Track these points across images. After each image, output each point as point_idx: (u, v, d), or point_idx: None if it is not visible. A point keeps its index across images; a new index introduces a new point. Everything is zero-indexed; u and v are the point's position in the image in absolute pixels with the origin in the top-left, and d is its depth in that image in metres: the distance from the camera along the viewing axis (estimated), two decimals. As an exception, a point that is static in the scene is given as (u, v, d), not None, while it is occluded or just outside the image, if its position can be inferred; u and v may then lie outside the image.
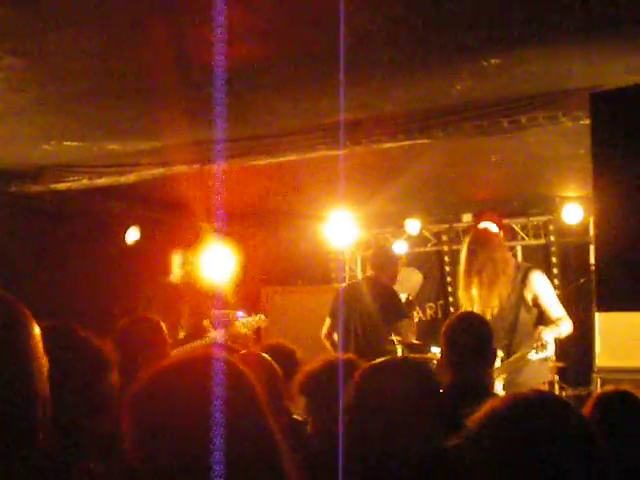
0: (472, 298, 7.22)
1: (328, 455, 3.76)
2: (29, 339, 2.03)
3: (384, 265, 8.99)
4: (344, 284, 10.35)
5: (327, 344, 8.82)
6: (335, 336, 8.80)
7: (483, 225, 8.05)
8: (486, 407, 2.17)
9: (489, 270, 7.19)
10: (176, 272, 9.15)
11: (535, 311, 7.29)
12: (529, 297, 7.24)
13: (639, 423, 3.92)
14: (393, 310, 8.73)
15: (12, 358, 1.98)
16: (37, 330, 2.07)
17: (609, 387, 4.76)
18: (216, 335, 8.40)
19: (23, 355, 2.00)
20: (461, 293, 7.40)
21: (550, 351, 7.03)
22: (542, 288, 7.33)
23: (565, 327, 7.21)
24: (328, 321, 8.92)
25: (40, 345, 2.06)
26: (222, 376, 2.18)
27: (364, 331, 8.64)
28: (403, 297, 11.18)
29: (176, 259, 9.13)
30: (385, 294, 8.79)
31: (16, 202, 9.39)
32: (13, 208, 9.41)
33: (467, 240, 7.57)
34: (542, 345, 6.81)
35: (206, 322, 8.71)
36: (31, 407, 2.00)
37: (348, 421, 3.51)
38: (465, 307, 7.22)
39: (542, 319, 7.29)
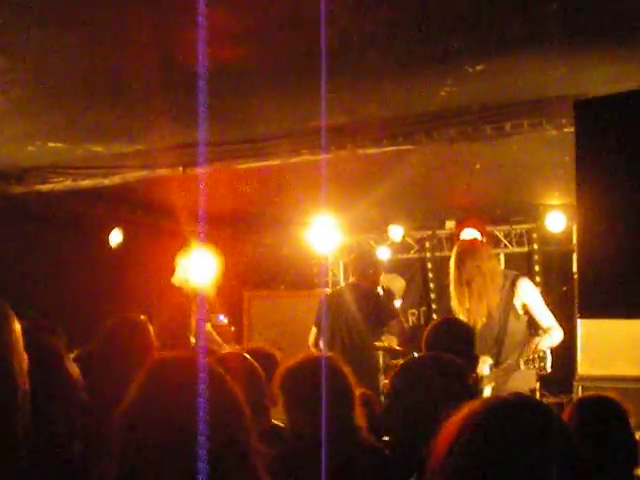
0: (466, 307, 7.23)
1: (307, 453, 3.78)
2: (10, 335, 2.05)
3: (366, 271, 8.99)
4: (327, 292, 10.33)
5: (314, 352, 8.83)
6: (321, 344, 8.78)
7: (470, 236, 8.10)
8: (465, 409, 2.16)
9: (478, 281, 7.21)
10: (178, 275, 9.12)
11: (524, 318, 7.31)
12: (518, 304, 7.26)
13: (619, 428, 3.93)
14: (378, 315, 8.73)
15: None
16: (18, 326, 2.09)
17: (589, 393, 4.78)
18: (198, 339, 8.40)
19: (4, 350, 2.02)
20: (454, 304, 7.40)
21: (548, 364, 7.05)
22: (531, 296, 7.36)
23: (557, 336, 7.25)
24: (314, 330, 8.91)
25: (20, 341, 2.08)
26: (203, 379, 2.21)
27: (350, 339, 8.63)
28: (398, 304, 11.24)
29: (178, 262, 9.11)
30: (368, 300, 8.78)
31: (0, 203, 9.35)
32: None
33: (455, 251, 7.58)
34: (540, 358, 6.86)
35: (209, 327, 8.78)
36: (12, 400, 2.01)
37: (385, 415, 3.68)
38: (460, 317, 7.22)
39: (532, 326, 7.31)
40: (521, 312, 7.27)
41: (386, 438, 3.94)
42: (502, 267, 10.89)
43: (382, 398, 8.37)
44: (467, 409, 2.15)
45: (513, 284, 7.30)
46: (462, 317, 7.14)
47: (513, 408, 2.15)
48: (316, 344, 8.88)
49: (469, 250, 7.46)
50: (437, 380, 3.67)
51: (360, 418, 4.21)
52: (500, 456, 2.04)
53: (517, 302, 7.27)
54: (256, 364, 4.76)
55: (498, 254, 12.25)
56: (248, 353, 5.44)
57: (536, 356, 6.87)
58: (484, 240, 10.81)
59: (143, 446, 2.18)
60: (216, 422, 2.17)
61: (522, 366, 6.89)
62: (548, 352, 7.05)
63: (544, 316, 7.31)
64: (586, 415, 3.89)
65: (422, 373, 3.80)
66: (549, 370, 7.07)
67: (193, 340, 8.37)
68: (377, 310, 8.80)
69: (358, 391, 6.54)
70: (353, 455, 3.90)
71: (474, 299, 7.20)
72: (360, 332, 8.55)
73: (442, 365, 3.91)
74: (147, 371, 2.37)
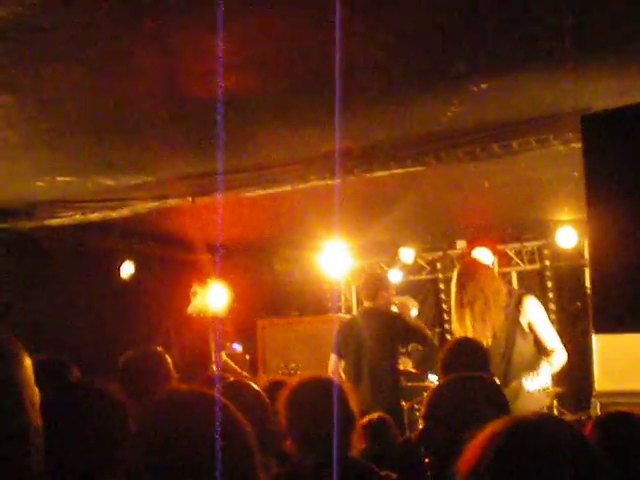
0: (467, 329, 7.18)
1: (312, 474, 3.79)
2: (20, 370, 2.05)
3: (379, 293, 8.95)
4: (342, 318, 10.27)
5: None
6: (341, 371, 8.74)
7: (472, 255, 8.06)
8: (488, 429, 2.14)
9: (480, 302, 7.15)
10: (195, 305, 9.13)
11: (531, 337, 7.24)
12: (524, 323, 7.20)
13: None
14: (404, 334, 8.68)
15: (4, 388, 2.00)
16: (29, 362, 2.09)
17: (609, 410, 4.75)
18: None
19: (15, 385, 2.02)
20: (455, 325, 7.36)
21: (545, 382, 6.98)
22: (536, 314, 7.27)
23: (558, 361, 7.17)
24: (333, 357, 8.86)
25: (32, 376, 2.09)
26: (212, 413, 2.25)
27: (377, 363, 8.53)
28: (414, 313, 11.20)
29: (194, 291, 9.11)
30: (389, 321, 8.73)
31: (10, 238, 9.38)
32: (8, 244, 9.40)
33: (456, 272, 7.53)
34: (539, 374, 6.83)
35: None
36: (24, 436, 2.01)
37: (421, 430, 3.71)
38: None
39: (536, 345, 7.26)
40: (527, 330, 7.21)
41: (427, 460, 3.91)
42: (514, 285, 10.93)
43: (405, 419, 8.36)
44: (490, 429, 2.14)
45: (519, 302, 7.23)
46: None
47: (537, 427, 2.13)
48: (336, 371, 8.85)
49: (471, 271, 7.40)
50: (474, 400, 3.69)
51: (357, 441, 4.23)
52: (525, 477, 2.02)
53: (523, 320, 7.19)
54: (261, 392, 4.72)
55: (510, 272, 12.26)
56: (268, 385, 5.38)
57: (535, 373, 6.83)
58: (495, 259, 10.83)
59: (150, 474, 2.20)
60: (222, 455, 2.17)
61: (530, 387, 6.85)
62: (547, 368, 6.99)
63: (548, 337, 7.22)
64: (606, 432, 3.86)
65: (460, 395, 3.81)
66: (549, 384, 7.02)
67: (214, 368, 8.36)
68: (401, 329, 8.73)
69: (376, 415, 6.56)
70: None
71: (477, 321, 7.14)
72: (385, 356, 8.48)
73: (478, 385, 3.92)
74: (154, 403, 2.41)
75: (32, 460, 2.02)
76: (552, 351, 7.16)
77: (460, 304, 7.25)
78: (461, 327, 7.22)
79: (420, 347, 9.51)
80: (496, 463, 2.05)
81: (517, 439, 2.09)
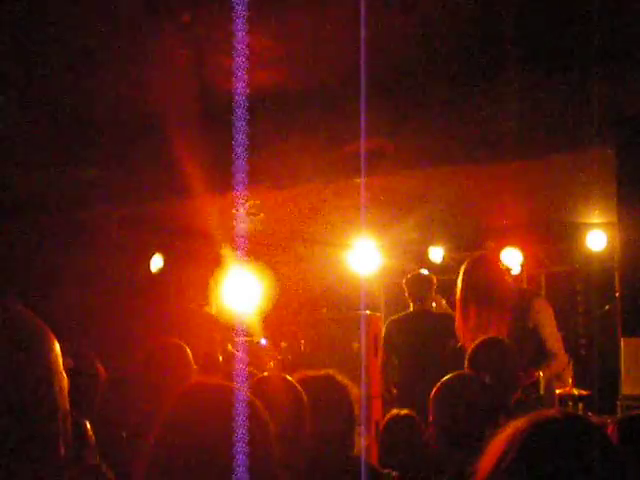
0: (470, 328, 7.06)
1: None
2: (50, 354, 2.08)
3: (429, 294, 8.96)
4: (393, 317, 10.21)
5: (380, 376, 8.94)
6: (388, 368, 8.76)
7: (510, 256, 7.95)
8: (510, 426, 2.14)
9: (486, 301, 7.05)
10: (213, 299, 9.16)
11: (536, 339, 7.15)
12: (531, 324, 7.08)
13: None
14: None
15: (34, 372, 2.03)
16: (57, 347, 2.12)
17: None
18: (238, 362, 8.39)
19: (45, 369, 2.06)
20: (458, 323, 7.22)
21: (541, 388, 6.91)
22: (543, 315, 7.13)
23: (555, 367, 7.09)
24: (382, 355, 8.87)
25: (60, 361, 2.11)
26: (235, 407, 2.27)
27: (434, 363, 8.48)
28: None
29: (208, 286, 9.14)
30: (440, 323, 8.71)
31: (41, 229, 9.43)
32: (40, 235, 9.45)
33: (462, 268, 7.33)
34: (533, 385, 6.76)
35: (230, 348, 8.73)
36: (53, 420, 2.04)
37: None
38: (462, 339, 7.07)
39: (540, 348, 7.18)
40: (533, 332, 7.07)
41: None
42: (542, 287, 10.85)
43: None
44: (512, 426, 2.13)
45: (528, 303, 7.12)
46: (465, 338, 6.97)
47: (560, 425, 2.12)
48: (384, 367, 8.88)
49: (477, 268, 7.27)
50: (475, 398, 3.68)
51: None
52: (547, 474, 2.02)
53: (530, 322, 7.08)
54: (297, 386, 4.70)
55: (539, 274, 12.20)
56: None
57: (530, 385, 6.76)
58: (524, 260, 10.78)
59: (168, 470, 2.24)
60: (242, 452, 2.20)
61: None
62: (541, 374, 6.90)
63: (550, 339, 7.12)
64: (626, 432, 3.85)
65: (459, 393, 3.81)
66: (542, 393, 6.93)
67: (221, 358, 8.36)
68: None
69: (404, 412, 6.54)
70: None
71: (481, 319, 7.04)
72: (443, 356, 8.42)
73: (471, 384, 3.92)
74: (177, 396, 2.43)
75: (61, 442, 2.05)
76: (553, 355, 7.06)
77: (464, 301, 7.14)
78: (465, 325, 7.11)
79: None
80: (518, 461, 2.05)
81: (540, 437, 2.08)
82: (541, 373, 6.77)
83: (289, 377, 4.65)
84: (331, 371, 4.51)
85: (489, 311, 6.99)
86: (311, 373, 4.45)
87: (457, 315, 7.20)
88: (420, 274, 10.07)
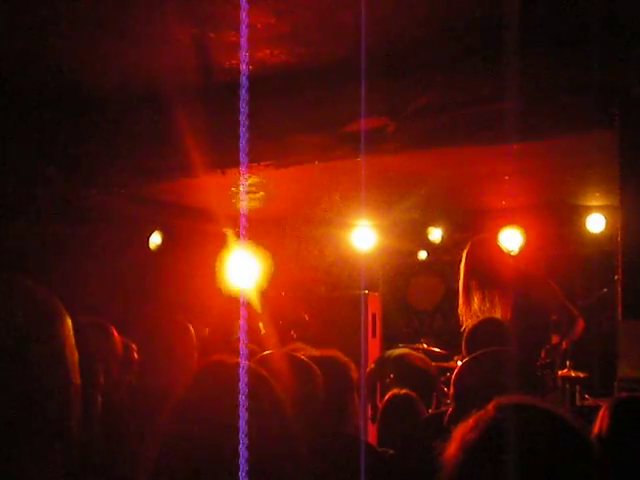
0: (474, 313, 7.06)
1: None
2: (64, 329, 2.09)
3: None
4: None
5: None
6: None
7: (509, 237, 7.94)
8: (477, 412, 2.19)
9: (488, 285, 7.07)
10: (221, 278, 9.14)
11: (545, 314, 7.17)
12: (535, 302, 7.08)
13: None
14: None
15: (49, 346, 2.05)
16: (69, 322, 2.13)
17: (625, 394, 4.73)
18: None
19: (58, 344, 2.07)
20: (461, 308, 7.24)
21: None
22: (545, 292, 7.14)
23: (573, 331, 7.15)
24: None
25: (72, 336, 2.13)
26: (246, 382, 2.30)
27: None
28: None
29: (219, 265, 9.13)
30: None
31: (42, 204, 9.41)
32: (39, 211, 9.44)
33: (465, 252, 7.36)
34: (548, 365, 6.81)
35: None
36: (66, 394, 2.05)
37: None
38: (466, 321, 7.07)
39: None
40: (536, 312, 7.09)
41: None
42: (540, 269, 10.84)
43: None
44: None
45: (530, 282, 7.15)
46: (469, 321, 6.97)
47: (523, 411, 2.18)
48: None
49: (478, 250, 7.27)
50: (502, 375, 3.68)
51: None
52: (505, 458, 2.05)
53: (533, 300, 7.08)
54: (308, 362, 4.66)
55: (538, 256, 12.19)
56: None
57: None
58: (523, 241, 10.78)
59: (183, 447, 2.25)
60: (260, 425, 2.24)
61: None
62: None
63: (557, 311, 7.18)
64: (619, 415, 3.84)
65: (487, 370, 3.81)
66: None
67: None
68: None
69: (403, 391, 6.55)
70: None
71: (486, 302, 7.06)
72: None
73: (504, 359, 3.92)
74: (195, 373, 2.49)
75: (72, 416, 2.06)
76: (567, 323, 7.13)
77: (467, 287, 7.16)
78: (468, 311, 7.12)
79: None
80: (481, 442, 2.11)
81: (503, 422, 2.14)
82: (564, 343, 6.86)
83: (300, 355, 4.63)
84: (333, 351, 4.50)
85: (492, 294, 7.01)
86: (316, 353, 4.44)
87: (460, 299, 7.21)
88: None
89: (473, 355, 4.10)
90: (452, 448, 2.16)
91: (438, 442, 2.31)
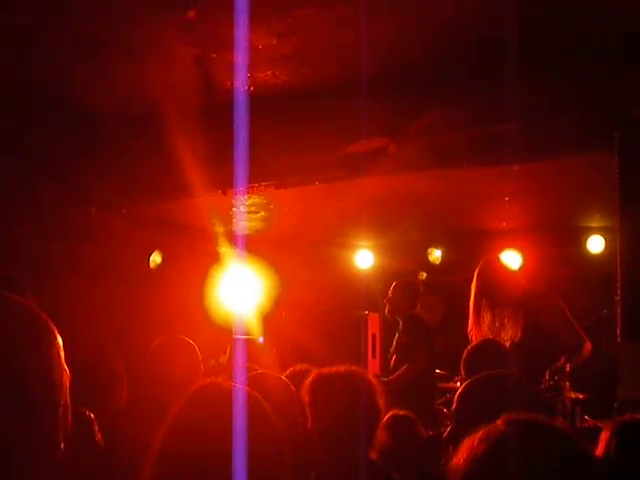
0: (484, 334, 7.08)
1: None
2: (53, 348, 2.08)
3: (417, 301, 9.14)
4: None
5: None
6: None
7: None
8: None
9: (499, 305, 7.08)
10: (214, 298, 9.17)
11: (553, 335, 7.17)
12: (543, 323, 7.09)
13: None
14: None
15: (37, 366, 2.03)
16: (59, 341, 2.12)
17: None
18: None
19: (47, 364, 2.05)
20: (472, 329, 7.25)
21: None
22: (553, 313, 7.15)
23: (579, 354, 7.14)
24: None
25: (62, 355, 2.11)
26: (242, 409, 2.33)
27: None
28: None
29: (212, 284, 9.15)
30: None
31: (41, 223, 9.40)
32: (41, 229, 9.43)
33: (476, 273, 7.44)
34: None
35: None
36: (53, 415, 2.04)
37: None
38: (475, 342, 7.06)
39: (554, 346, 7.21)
40: (542, 331, 7.09)
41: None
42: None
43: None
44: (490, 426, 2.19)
45: (540, 304, 7.15)
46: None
47: (531, 428, 2.19)
48: None
49: (490, 274, 7.31)
50: (502, 398, 3.68)
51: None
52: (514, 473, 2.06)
53: (542, 320, 7.08)
54: (289, 383, 4.68)
55: (538, 277, 12.18)
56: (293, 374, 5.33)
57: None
58: (523, 263, 10.77)
59: (175, 471, 2.27)
60: (252, 451, 2.24)
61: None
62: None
63: (564, 333, 7.15)
64: (626, 438, 3.84)
65: (488, 393, 3.80)
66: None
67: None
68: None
69: (402, 412, 6.54)
70: None
71: (494, 321, 7.07)
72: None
73: (506, 382, 3.92)
74: (186, 396, 2.48)
75: (61, 437, 2.06)
76: (574, 347, 7.13)
77: (478, 306, 7.18)
78: (478, 332, 7.13)
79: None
80: (491, 456, 2.12)
81: (513, 437, 2.16)
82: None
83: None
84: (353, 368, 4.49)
85: (502, 313, 7.02)
86: (332, 370, 4.43)
87: (470, 319, 7.23)
88: (409, 281, 10.12)
89: (476, 377, 4.10)
90: (459, 458, 2.17)
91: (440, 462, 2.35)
